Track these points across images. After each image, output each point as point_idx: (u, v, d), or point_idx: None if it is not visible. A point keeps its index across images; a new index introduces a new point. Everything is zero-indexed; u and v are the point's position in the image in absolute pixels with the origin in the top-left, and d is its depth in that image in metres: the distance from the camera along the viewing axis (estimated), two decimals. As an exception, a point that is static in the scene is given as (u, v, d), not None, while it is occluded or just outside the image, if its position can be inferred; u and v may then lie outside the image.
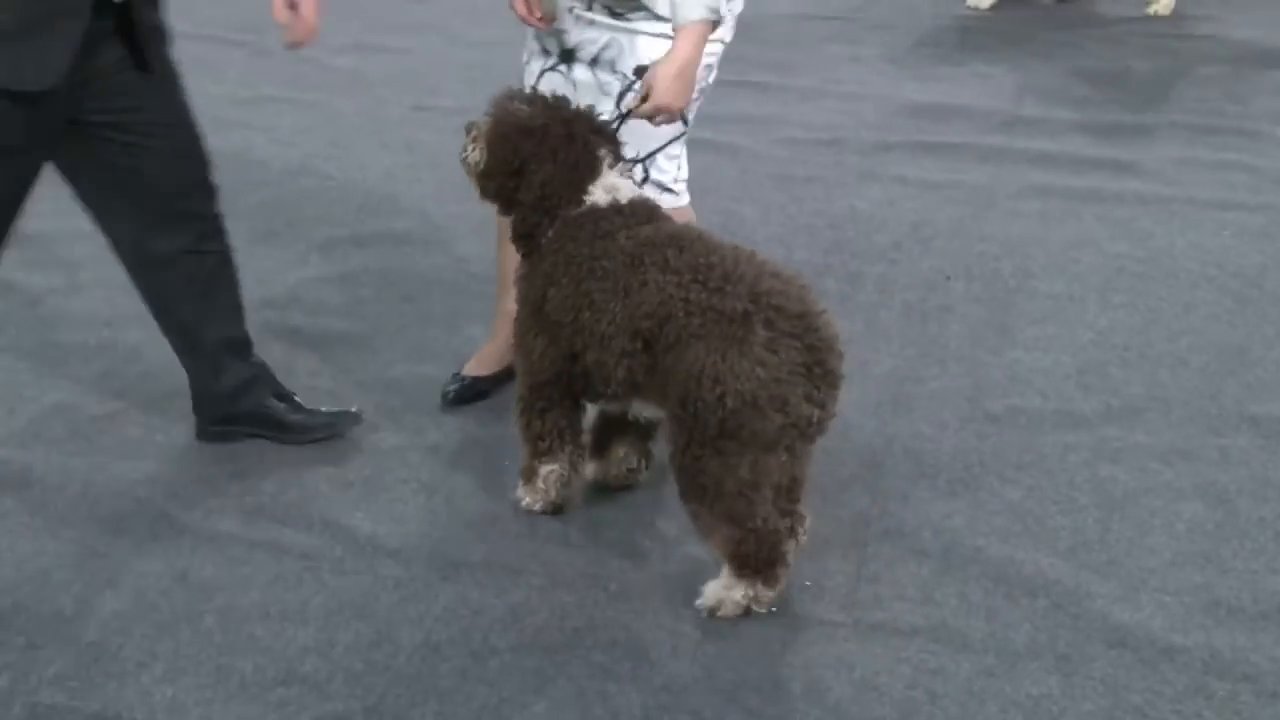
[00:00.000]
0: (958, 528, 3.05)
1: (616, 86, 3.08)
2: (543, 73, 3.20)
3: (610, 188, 2.87)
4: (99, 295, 4.15)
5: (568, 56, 3.15)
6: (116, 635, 2.69)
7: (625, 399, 2.85)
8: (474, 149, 2.94)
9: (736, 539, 2.65)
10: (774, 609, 2.74)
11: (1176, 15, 7.30)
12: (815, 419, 2.62)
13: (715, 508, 2.65)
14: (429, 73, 6.06)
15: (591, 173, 2.87)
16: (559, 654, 2.64)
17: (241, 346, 3.28)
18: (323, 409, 3.36)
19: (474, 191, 3.00)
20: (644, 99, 2.91)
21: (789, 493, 2.75)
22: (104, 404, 3.53)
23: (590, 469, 3.08)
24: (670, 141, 3.15)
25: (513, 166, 2.89)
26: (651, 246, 2.72)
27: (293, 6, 2.91)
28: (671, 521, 3.03)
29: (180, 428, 3.39)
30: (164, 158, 2.98)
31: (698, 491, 2.66)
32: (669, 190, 3.19)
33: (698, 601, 2.74)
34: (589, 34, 3.09)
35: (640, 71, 3.00)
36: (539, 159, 2.86)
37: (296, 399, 3.35)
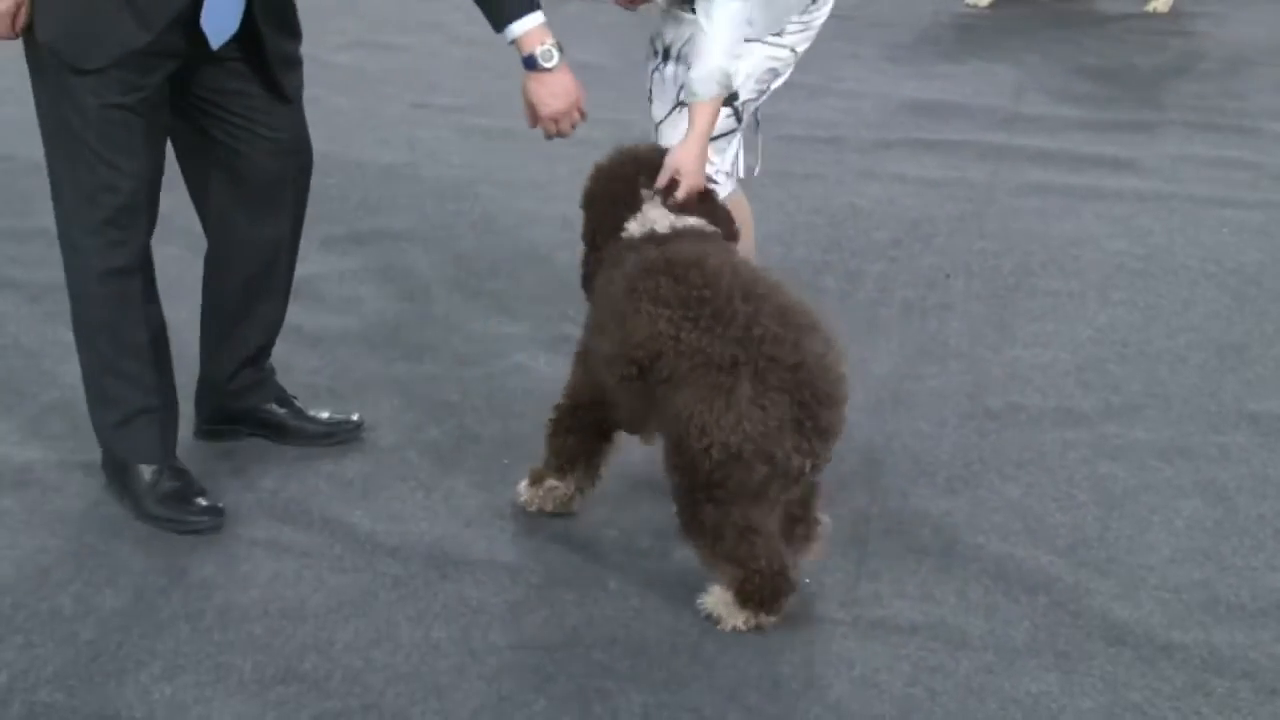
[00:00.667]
0: (957, 525, 3.05)
1: None
2: (651, 73, 3.28)
3: (646, 221, 2.89)
4: (98, 293, 4.15)
5: (665, 55, 3.22)
6: (115, 633, 2.69)
7: (638, 426, 2.84)
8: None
9: (740, 578, 2.64)
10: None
11: (1175, 12, 7.30)
12: (807, 468, 2.59)
13: (717, 548, 2.63)
14: (428, 70, 6.06)
15: (629, 209, 2.91)
16: (558, 652, 2.64)
17: (263, 355, 3.30)
18: (323, 416, 3.35)
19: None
20: (672, 184, 2.92)
21: (802, 503, 2.72)
22: (103, 402, 3.53)
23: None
24: (719, 136, 3.15)
25: (583, 206, 3.01)
26: (647, 273, 2.70)
27: (533, 106, 2.98)
28: (671, 520, 3.03)
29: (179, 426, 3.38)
30: (266, 147, 3.02)
31: (698, 530, 2.65)
32: (711, 181, 3.19)
33: (698, 600, 2.73)
34: (681, 30, 3.16)
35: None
36: (592, 200, 2.97)
37: (297, 403, 3.35)
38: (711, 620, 2.70)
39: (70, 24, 2.76)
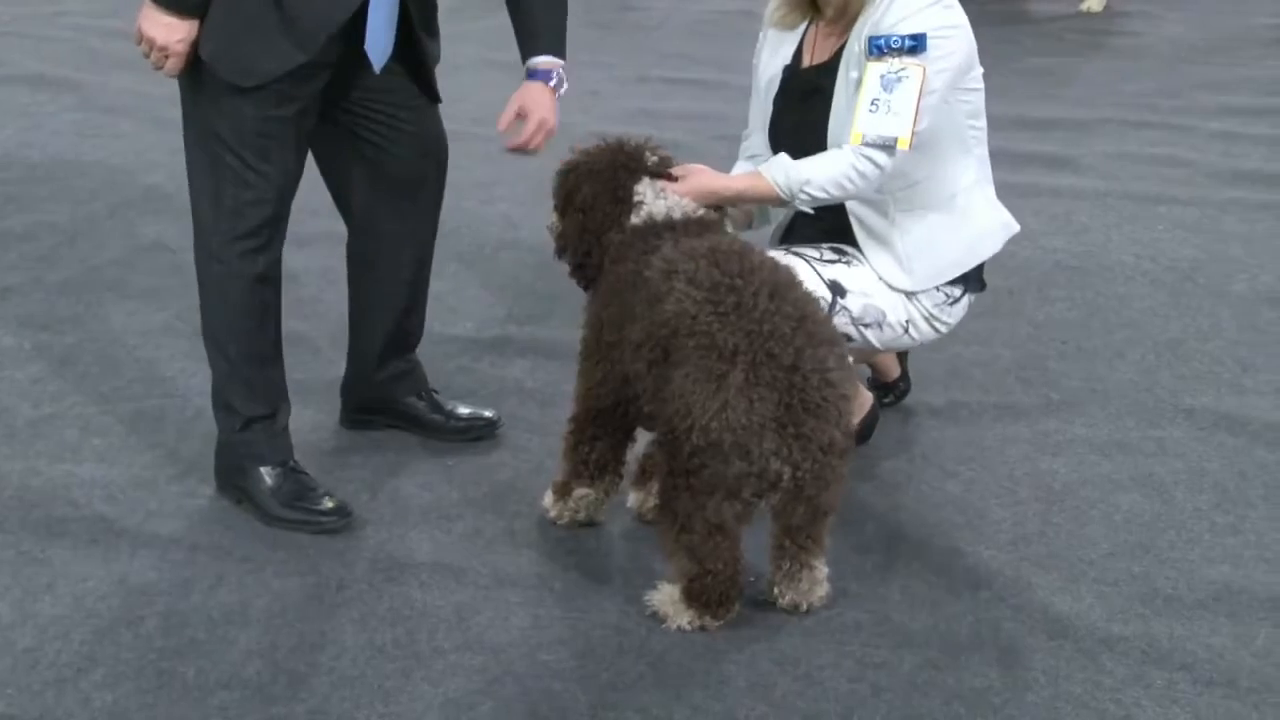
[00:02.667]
0: (900, 522, 3.08)
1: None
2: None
3: (660, 191, 2.92)
4: (35, 299, 4.10)
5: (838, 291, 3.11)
6: (55, 640, 2.65)
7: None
8: (555, 216, 3.04)
9: (693, 574, 2.64)
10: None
11: (1110, 12, 7.40)
12: (788, 476, 2.56)
13: (681, 539, 2.62)
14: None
15: (631, 175, 2.93)
16: (504, 653, 2.63)
17: (407, 341, 3.35)
18: (461, 411, 3.38)
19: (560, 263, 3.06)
20: (675, 177, 2.98)
21: (791, 533, 2.68)
22: (39, 407, 3.49)
23: (631, 498, 3.05)
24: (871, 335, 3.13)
25: (560, 202, 2.99)
26: (689, 257, 2.68)
27: (521, 116, 3.04)
28: (616, 520, 3.03)
29: (117, 430, 3.35)
30: (410, 145, 3.09)
31: (669, 516, 2.64)
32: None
33: (646, 597, 2.73)
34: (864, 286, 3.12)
35: (835, 288, 3.05)
36: (581, 187, 2.95)
37: (437, 397, 3.39)
38: (657, 618, 2.70)
39: (231, 44, 2.80)
